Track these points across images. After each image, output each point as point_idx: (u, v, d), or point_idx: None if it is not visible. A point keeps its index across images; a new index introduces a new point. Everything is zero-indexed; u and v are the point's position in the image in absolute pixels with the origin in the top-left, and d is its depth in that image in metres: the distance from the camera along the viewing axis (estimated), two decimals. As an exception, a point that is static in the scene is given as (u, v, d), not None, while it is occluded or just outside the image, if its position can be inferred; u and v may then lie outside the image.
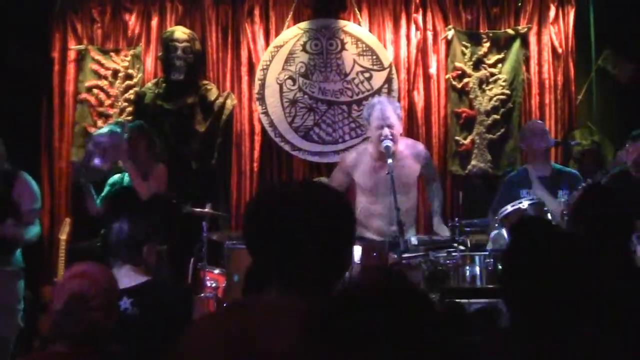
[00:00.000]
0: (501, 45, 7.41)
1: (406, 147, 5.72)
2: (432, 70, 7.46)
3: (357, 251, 4.82)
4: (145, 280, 3.67)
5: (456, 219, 5.07)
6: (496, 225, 5.68)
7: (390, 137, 5.43)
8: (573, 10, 7.40)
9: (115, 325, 2.91)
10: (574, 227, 3.39)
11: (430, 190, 5.94)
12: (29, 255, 6.42)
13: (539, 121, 6.67)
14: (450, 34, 7.41)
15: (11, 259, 5.48)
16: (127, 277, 3.61)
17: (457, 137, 7.36)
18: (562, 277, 2.30)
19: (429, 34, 7.48)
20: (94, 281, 2.73)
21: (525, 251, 2.39)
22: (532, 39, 7.42)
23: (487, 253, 4.90)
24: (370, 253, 2.91)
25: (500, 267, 2.51)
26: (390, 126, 5.48)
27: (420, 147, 5.92)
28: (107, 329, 2.80)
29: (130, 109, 7.45)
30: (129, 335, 3.29)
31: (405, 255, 4.67)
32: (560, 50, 7.38)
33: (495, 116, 7.33)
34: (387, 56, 7.43)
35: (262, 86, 7.48)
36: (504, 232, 5.21)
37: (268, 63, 7.48)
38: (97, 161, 5.92)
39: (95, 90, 7.53)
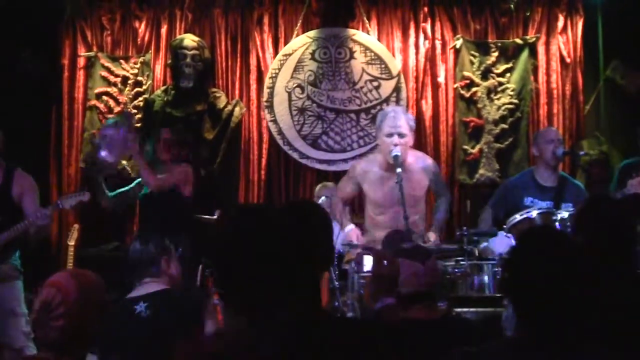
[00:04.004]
0: (509, 54, 7.43)
1: (415, 160, 5.68)
2: (441, 79, 7.48)
3: (369, 260, 4.83)
4: (163, 287, 3.78)
5: (464, 228, 5.06)
6: (488, 214, 5.79)
7: (400, 146, 5.42)
8: (581, 20, 7.41)
9: (130, 327, 2.92)
10: (576, 236, 3.38)
11: (437, 204, 5.91)
12: (37, 261, 6.45)
13: (554, 128, 6.65)
14: (459, 43, 7.43)
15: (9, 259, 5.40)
16: (146, 286, 3.79)
17: (465, 146, 7.38)
18: (567, 286, 2.30)
19: (438, 43, 7.50)
20: (60, 289, 2.69)
21: (529, 259, 2.39)
22: (541, 49, 7.44)
23: (495, 262, 4.89)
24: (380, 261, 2.90)
25: (505, 274, 2.50)
26: (401, 135, 5.45)
27: (429, 160, 5.87)
28: (84, 337, 2.79)
29: (139, 116, 7.47)
30: (142, 337, 3.54)
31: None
32: (568, 60, 7.39)
33: (504, 125, 7.35)
34: (395, 65, 7.45)
35: (271, 94, 7.50)
36: (492, 245, 5.22)
37: (277, 71, 7.51)
38: (103, 154, 5.84)
39: (104, 97, 7.57)
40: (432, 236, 5.51)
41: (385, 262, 2.94)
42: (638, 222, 3.50)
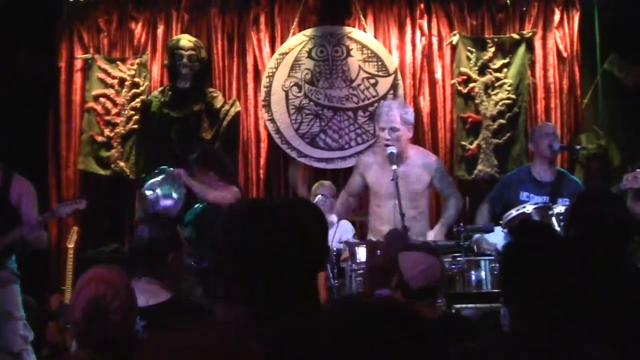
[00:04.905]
0: (506, 49, 7.41)
1: (417, 155, 5.74)
2: (438, 75, 7.46)
3: (362, 251, 4.83)
4: (163, 300, 3.31)
5: (460, 224, 5.07)
6: (485, 209, 5.79)
7: (393, 140, 5.45)
8: (578, 14, 7.40)
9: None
10: (569, 232, 3.37)
11: (445, 204, 5.92)
12: (36, 264, 6.46)
13: (550, 123, 6.65)
14: (455, 39, 7.42)
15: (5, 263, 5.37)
16: (144, 293, 3.24)
17: (463, 142, 7.36)
18: (559, 280, 2.29)
19: (434, 40, 7.49)
20: (109, 283, 2.64)
21: (522, 254, 2.38)
22: (537, 44, 7.42)
23: (492, 258, 4.89)
24: (374, 252, 2.90)
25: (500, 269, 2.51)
26: (393, 129, 5.49)
27: (432, 158, 5.92)
28: (130, 331, 2.76)
29: (136, 117, 7.48)
30: None
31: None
32: (565, 54, 7.38)
33: (501, 121, 7.33)
34: (392, 62, 7.44)
35: (268, 93, 7.50)
36: (487, 236, 5.23)
37: (274, 70, 7.50)
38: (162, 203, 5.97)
39: (102, 99, 7.55)
40: (431, 234, 5.52)
41: (378, 252, 2.93)
42: None
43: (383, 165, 5.62)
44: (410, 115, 5.75)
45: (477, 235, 5.36)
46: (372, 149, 6.40)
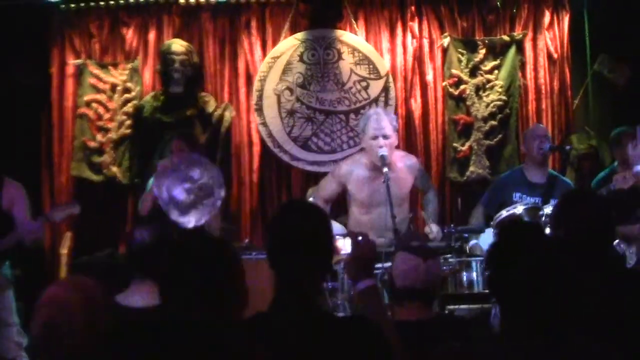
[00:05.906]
0: (497, 51, 7.44)
1: (399, 159, 5.74)
2: (429, 77, 7.49)
3: (347, 243, 4.82)
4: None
5: (451, 225, 5.10)
6: (479, 212, 5.83)
7: (387, 147, 5.45)
8: (568, 15, 7.44)
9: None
10: (555, 232, 3.38)
11: (426, 198, 5.95)
12: (30, 270, 6.46)
13: (541, 125, 6.68)
14: (446, 41, 7.44)
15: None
16: (141, 295, 3.26)
17: (455, 144, 7.38)
18: (543, 279, 2.30)
19: (425, 42, 7.51)
20: (62, 307, 2.58)
21: (507, 252, 2.40)
22: (528, 45, 7.46)
23: (483, 258, 4.91)
24: (358, 244, 2.89)
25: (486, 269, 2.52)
26: (385, 136, 5.49)
27: (413, 159, 5.94)
28: (91, 345, 2.62)
29: (129, 122, 7.47)
30: None
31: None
32: (555, 56, 7.42)
33: (493, 122, 7.36)
34: (383, 65, 7.47)
35: (260, 97, 7.51)
36: (481, 242, 5.25)
37: (265, 74, 7.52)
38: None
39: (94, 105, 7.53)
40: (434, 227, 5.52)
41: (361, 242, 2.92)
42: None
43: (367, 173, 5.61)
44: (396, 122, 5.79)
45: (472, 242, 5.39)
46: (351, 157, 6.16)
